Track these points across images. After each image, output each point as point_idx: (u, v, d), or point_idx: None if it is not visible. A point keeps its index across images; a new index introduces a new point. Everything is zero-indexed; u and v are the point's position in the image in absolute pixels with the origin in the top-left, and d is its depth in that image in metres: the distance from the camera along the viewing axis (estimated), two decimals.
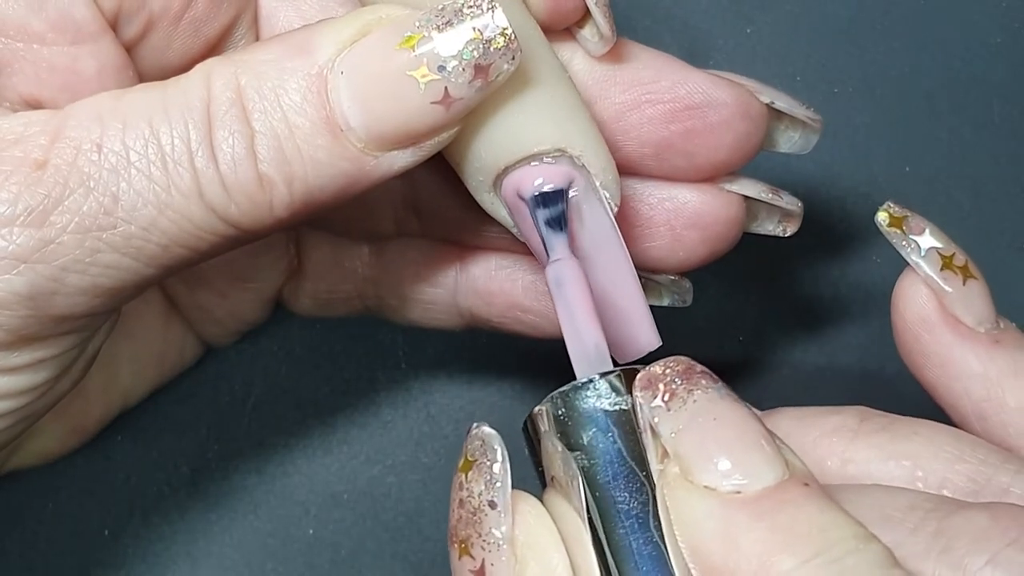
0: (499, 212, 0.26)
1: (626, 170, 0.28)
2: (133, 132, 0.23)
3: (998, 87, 0.38)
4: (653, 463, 0.22)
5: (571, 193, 0.25)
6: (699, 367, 0.23)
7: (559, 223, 0.25)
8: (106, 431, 0.34)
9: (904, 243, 0.28)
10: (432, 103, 0.23)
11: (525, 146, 0.25)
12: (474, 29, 0.23)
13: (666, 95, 0.27)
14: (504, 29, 0.23)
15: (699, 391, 0.22)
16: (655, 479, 0.22)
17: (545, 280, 0.26)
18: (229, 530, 0.35)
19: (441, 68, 0.23)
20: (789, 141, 0.29)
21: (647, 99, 0.27)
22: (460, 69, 0.23)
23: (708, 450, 0.22)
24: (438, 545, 0.35)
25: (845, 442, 0.26)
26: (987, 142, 0.38)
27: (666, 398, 0.22)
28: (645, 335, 0.26)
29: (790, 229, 0.30)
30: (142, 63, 0.27)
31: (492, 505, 0.23)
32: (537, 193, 0.25)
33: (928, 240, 0.28)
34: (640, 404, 0.22)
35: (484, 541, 0.22)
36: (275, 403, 0.36)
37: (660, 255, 0.29)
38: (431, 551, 0.35)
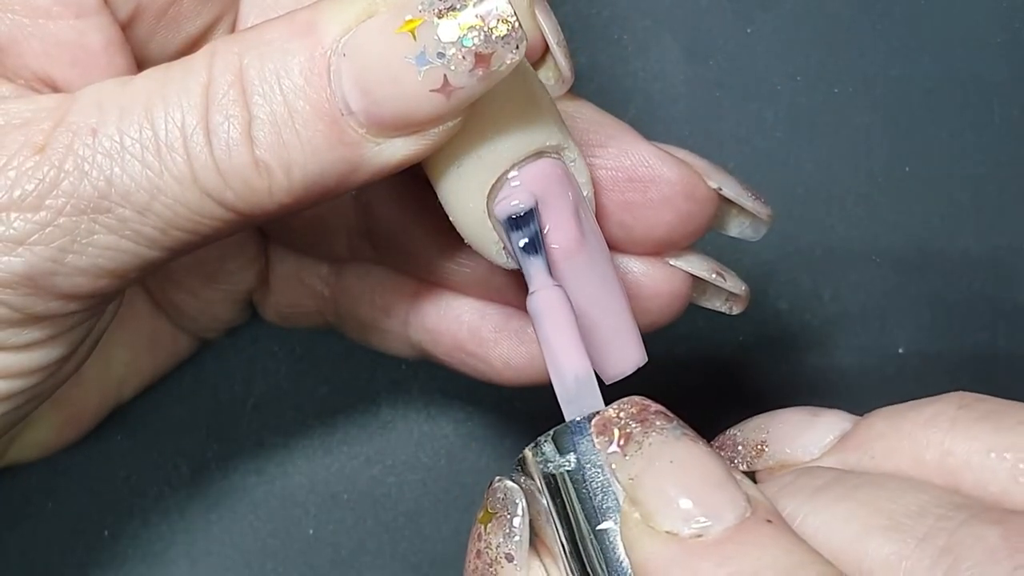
0: (490, 236, 0.25)
1: None
2: (128, 118, 0.23)
3: (998, 87, 0.38)
4: (623, 508, 0.22)
5: (569, 195, 0.25)
6: (653, 406, 0.22)
7: (534, 246, 0.24)
8: (106, 431, 0.34)
9: None
10: (431, 91, 0.22)
11: (537, 140, 0.24)
12: (476, 16, 0.22)
13: (610, 162, 0.27)
14: (507, 16, 0.22)
15: (654, 432, 0.22)
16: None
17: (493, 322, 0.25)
18: (229, 530, 0.35)
19: (440, 55, 0.22)
20: (740, 226, 0.29)
21: (591, 163, 0.27)
22: (460, 57, 0.22)
23: (667, 494, 0.21)
24: (438, 545, 0.35)
25: (943, 432, 0.25)
26: (987, 142, 0.38)
27: (621, 443, 0.22)
28: (632, 352, 0.25)
29: (736, 309, 0.29)
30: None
31: (509, 558, 0.23)
32: (513, 215, 0.24)
33: None
34: (598, 450, 0.22)
35: None
36: (275, 403, 0.36)
37: None
38: (431, 551, 0.35)
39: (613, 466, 0.22)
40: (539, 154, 0.25)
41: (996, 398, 0.25)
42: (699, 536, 0.21)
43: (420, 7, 0.22)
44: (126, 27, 0.26)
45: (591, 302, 0.25)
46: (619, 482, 0.22)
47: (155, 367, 0.34)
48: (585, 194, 0.25)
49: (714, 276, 0.28)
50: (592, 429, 0.22)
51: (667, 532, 0.21)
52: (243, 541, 0.35)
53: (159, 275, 0.32)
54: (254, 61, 0.23)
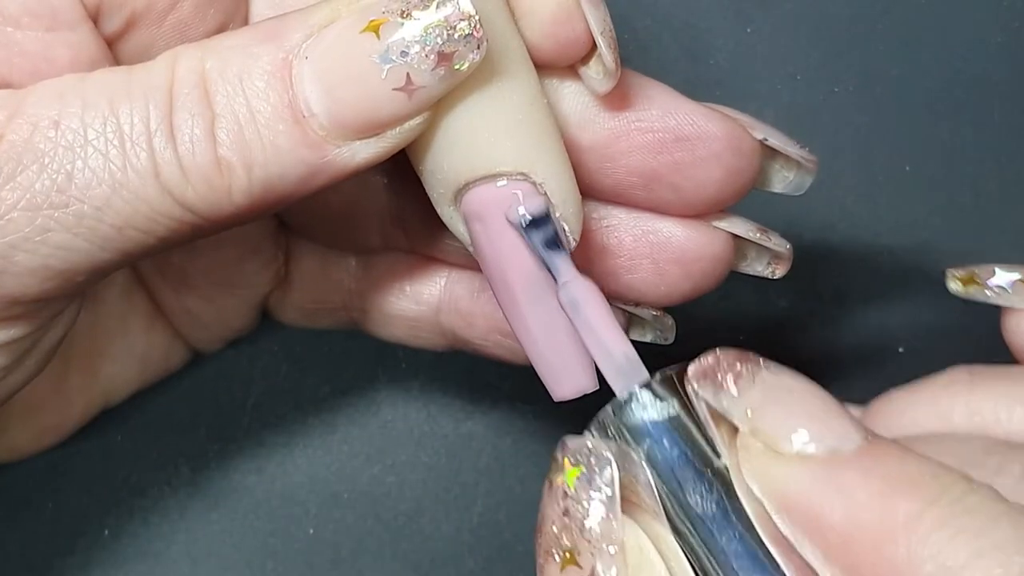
0: (457, 227, 0.26)
1: (613, 199, 0.28)
2: (93, 111, 0.23)
3: (998, 87, 0.38)
4: (724, 454, 0.22)
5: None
6: (750, 352, 0.23)
7: (556, 243, 0.25)
8: (106, 431, 0.34)
9: (988, 293, 0.28)
10: (394, 89, 0.23)
11: (486, 164, 0.24)
12: (439, 15, 0.23)
13: (656, 124, 0.27)
14: (470, 16, 0.23)
15: (764, 370, 0.22)
16: (729, 470, 0.22)
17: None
18: (229, 530, 0.35)
19: (404, 53, 0.23)
20: (783, 180, 0.29)
21: (636, 127, 0.27)
22: (423, 55, 0.23)
23: (793, 419, 0.21)
24: (438, 544, 0.35)
25: (965, 393, 0.26)
26: (987, 142, 0.38)
27: (730, 381, 0.22)
28: (581, 376, 0.25)
29: (779, 271, 0.29)
30: (125, 62, 0.27)
31: (607, 513, 0.22)
32: (528, 219, 0.24)
33: (1004, 277, 0.28)
34: (700, 396, 0.22)
35: (595, 548, 0.22)
36: (275, 403, 0.36)
37: (642, 288, 0.28)
38: (431, 551, 0.35)
39: (725, 405, 0.22)
40: (495, 176, 0.25)
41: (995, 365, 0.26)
42: (834, 453, 0.21)
43: (384, 9, 0.23)
44: (122, 35, 0.26)
45: (541, 321, 0.25)
46: (734, 418, 0.22)
47: (143, 380, 0.34)
48: (559, 214, 0.25)
49: (758, 235, 0.28)
50: (692, 378, 0.22)
51: (797, 455, 0.21)
52: (243, 541, 0.35)
53: (176, 281, 0.32)
54: (217, 65, 0.23)
